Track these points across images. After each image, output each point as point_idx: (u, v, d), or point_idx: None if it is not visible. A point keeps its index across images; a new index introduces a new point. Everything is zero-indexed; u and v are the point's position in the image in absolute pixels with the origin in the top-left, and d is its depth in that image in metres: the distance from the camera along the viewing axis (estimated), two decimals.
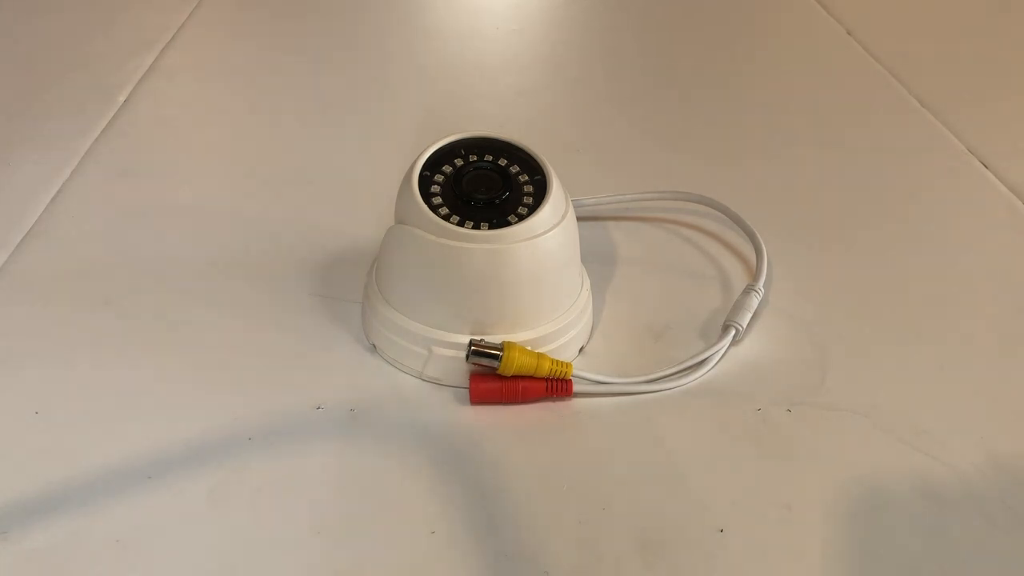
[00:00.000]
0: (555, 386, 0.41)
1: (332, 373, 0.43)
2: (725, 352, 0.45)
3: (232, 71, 0.71)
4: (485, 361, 0.40)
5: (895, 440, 0.41)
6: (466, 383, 0.41)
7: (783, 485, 0.38)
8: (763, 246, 0.50)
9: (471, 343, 0.40)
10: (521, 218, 0.40)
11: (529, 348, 0.41)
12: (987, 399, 0.43)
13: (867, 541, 0.36)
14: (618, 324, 0.47)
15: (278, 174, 0.58)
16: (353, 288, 0.48)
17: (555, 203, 0.41)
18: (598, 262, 0.51)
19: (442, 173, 0.42)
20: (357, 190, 0.56)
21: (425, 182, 0.41)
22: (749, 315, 0.46)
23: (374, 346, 0.44)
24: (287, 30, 0.78)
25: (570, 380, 0.41)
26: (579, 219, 0.44)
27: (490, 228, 0.40)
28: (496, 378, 0.41)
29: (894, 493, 0.38)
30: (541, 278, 0.41)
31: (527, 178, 0.42)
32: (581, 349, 0.45)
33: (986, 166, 0.62)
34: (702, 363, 0.44)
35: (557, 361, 0.41)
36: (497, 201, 0.41)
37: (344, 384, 0.42)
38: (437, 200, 0.41)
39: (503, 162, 0.42)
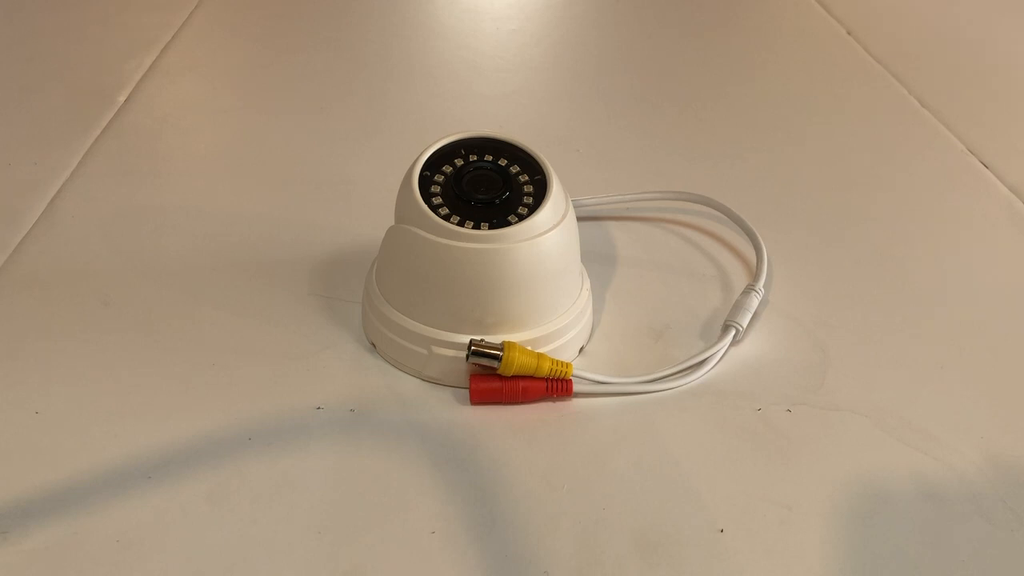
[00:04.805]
0: (555, 386, 0.41)
1: (332, 373, 0.43)
2: (725, 352, 0.45)
3: (232, 71, 0.71)
4: (485, 361, 0.40)
5: (895, 440, 0.41)
6: (466, 383, 0.41)
7: (783, 485, 0.38)
8: (763, 246, 0.50)
9: (471, 343, 0.40)
10: (521, 218, 0.40)
11: (529, 348, 0.41)
12: (987, 399, 0.43)
13: (867, 541, 0.36)
14: (618, 324, 0.47)
15: (278, 174, 0.58)
16: (353, 288, 0.48)
17: (555, 203, 0.41)
18: (598, 262, 0.51)
19: (442, 173, 0.42)
20: (357, 190, 0.56)
21: (425, 182, 0.41)
22: (749, 315, 0.46)
23: (374, 346, 0.44)
24: (287, 30, 0.78)
25: (570, 380, 0.41)
26: (579, 219, 0.44)
27: (490, 228, 0.40)
28: (496, 378, 0.41)
29: (894, 493, 0.38)
30: (541, 278, 0.41)
31: (527, 178, 0.42)
32: (581, 349, 0.45)
33: (986, 166, 0.62)
34: (702, 363, 0.44)
35: (557, 361, 0.41)
36: (497, 201, 0.41)
37: (344, 384, 0.42)
38: (437, 200, 0.41)
39: (503, 162, 0.42)
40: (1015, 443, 0.41)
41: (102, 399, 0.41)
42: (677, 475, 0.39)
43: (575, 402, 0.42)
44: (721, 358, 0.44)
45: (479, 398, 0.41)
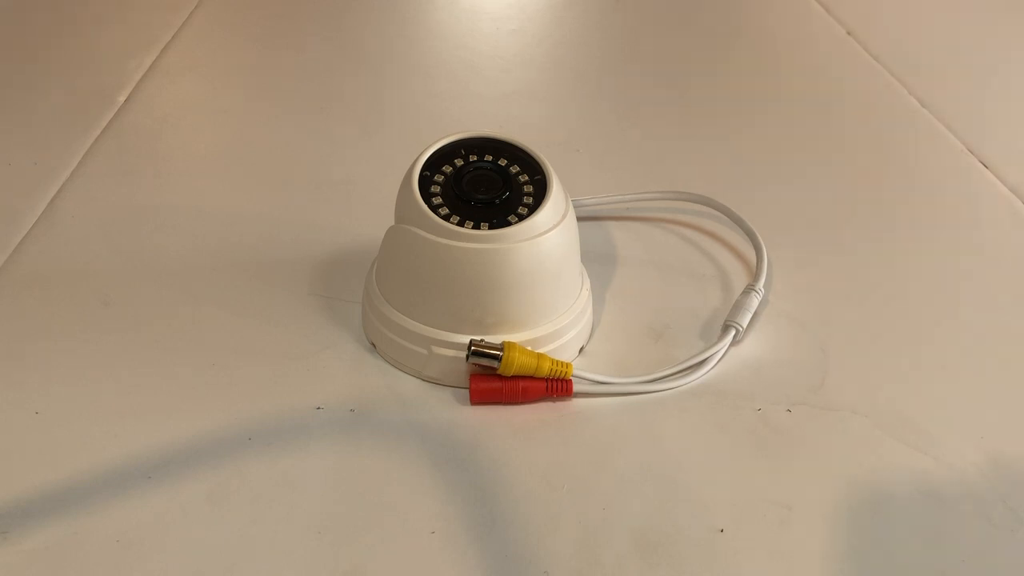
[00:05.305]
0: (555, 386, 0.41)
1: (332, 373, 0.43)
2: (725, 352, 0.45)
3: (232, 71, 0.71)
4: (485, 361, 0.40)
5: (895, 440, 0.41)
6: (466, 383, 0.41)
7: (783, 485, 0.38)
8: (763, 246, 0.50)
9: (471, 343, 0.40)
10: (521, 218, 0.40)
11: (529, 348, 0.41)
12: (987, 399, 0.43)
13: (867, 541, 0.36)
14: (618, 324, 0.47)
15: (278, 174, 0.58)
16: (353, 288, 0.48)
17: (555, 203, 0.41)
18: (598, 262, 0.51)
19: (442, 173, 0.42)
20: (357, 190, 0.56)
21: (425, 182, 0.41)
22: (749, 315, 0.46)
23: (374, 346, 0.44)
24: (287, 30, 0.78)
25: (570, 380, 0.41)
26: (579, 219, 0.44)
27: (490, 228, 0.40)
28: (496, 378, 0.41)
29: (894, 493, 0.38)
30: (541, 278, 0.41)
31: (527, 178, 0.42)
32: (581, 349, 0.45)
33: (986, 166, 0.62)
34: (702, 363, 0.44)
35: (557, 361, 0.41)
36: (497, 201, 0.41)
37: (344, 384, 0.42)
38: (437, 200, 0.41)
39: (503, 162, 0.42)
40: (1015, 443, 0.41)
41: (102, 399, 0.41)
42: (677, 475, 0.39)
43: (575, 402, 0.42)
44: (721, 358, 0.44)
45: (479, 398, 0.41)
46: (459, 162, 0.42)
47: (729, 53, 0.79)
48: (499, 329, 0.41)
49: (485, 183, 0.41)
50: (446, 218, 0.40)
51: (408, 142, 0.45)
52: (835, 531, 0.36)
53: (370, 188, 0.56)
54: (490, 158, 0.43)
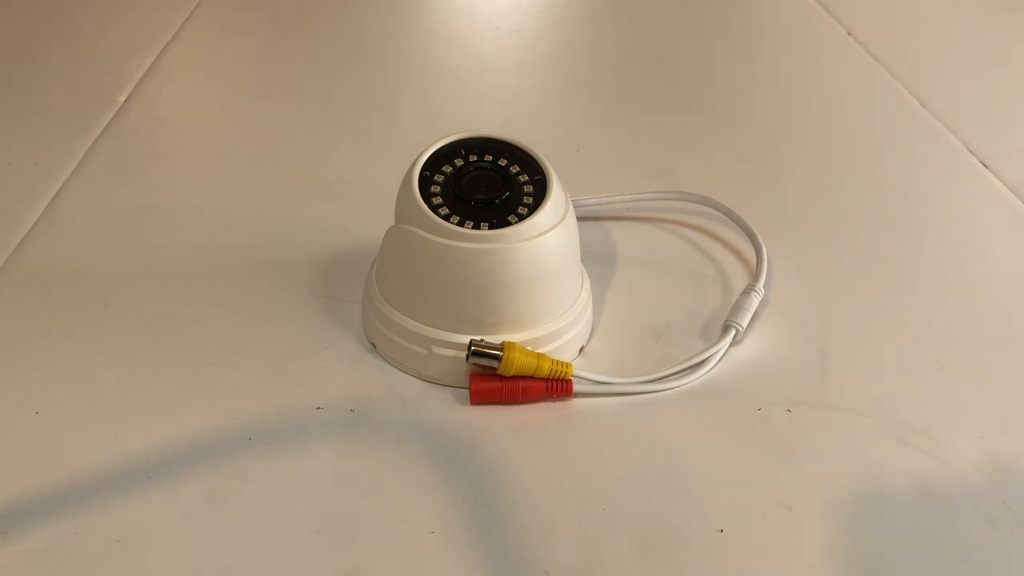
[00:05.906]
0: (555, 386, 0.41)
1: (332, 373, 0.43)
2: (725, 352, 0.45)
3: (232, 71, 0.71)
4: (485, 361, 0.40)
5: (895, 440, 0.41)
6: (466, 383, 0.41)
7: (783, 485, 0.38)
8: (763, 246, 0.50)
9: (471, 343, 0.40)
10: (521, 218, 0.40)
11: (529, 348, 0.41)
12: (987, 399, 0.43)
13: (867, 541, 0.36)
14: (618, 324, 0.47)
15: (278, 174, 0.58)
16: (353, 288, 0.48)
17: (555, 203, 0.41)
18: (598, 262, 0.51)
19: (442, 173, 0.42)
20: (357, 190, 0.56)
21: (425, 182, 0.41)
22: (749, 315, 0.46)
23: (374, 346, 0.44)
24: (287, 30, 0.78)
25: (570, 380, 0.41)
26: (579, 219, 0.44)
27: (490, 228, 0.40)
28: (496, 378, 0.41)
29: (894, 493, 0.38)
30: (541, 278, 0.41)
31: (527, 178, 0.42)
32: (581, 349, 0.45)
33: (986, 166, 0.62)
34: (702, 363, 0.44)
35: (557, 361, 0.41)
36: (497, 201, 0.41)
37: (344, 384, 0.42)
38: (437, 200, 0.41)
39: (503, 162, 0.42)
40: (1015, 443, 0.41)
41: (102, 399, 0.41)
42: (677, 475, 0.39)
43: (575, 402, 0.42)
44: (721, 358, 0.44)
45: (479, 398, 0.41)
46: (459, 162, 0.42)
47: (729, 53, 0.79)
48: (499, 329, 0.41)
49: (485, 183, 0.41)
50: (446, 218, 0.40)
51: (408, 142, 0.45)
52: (835, 531, 0.36)
53: (370, 188, 0.56)
54: (490, 158, 0.43)
